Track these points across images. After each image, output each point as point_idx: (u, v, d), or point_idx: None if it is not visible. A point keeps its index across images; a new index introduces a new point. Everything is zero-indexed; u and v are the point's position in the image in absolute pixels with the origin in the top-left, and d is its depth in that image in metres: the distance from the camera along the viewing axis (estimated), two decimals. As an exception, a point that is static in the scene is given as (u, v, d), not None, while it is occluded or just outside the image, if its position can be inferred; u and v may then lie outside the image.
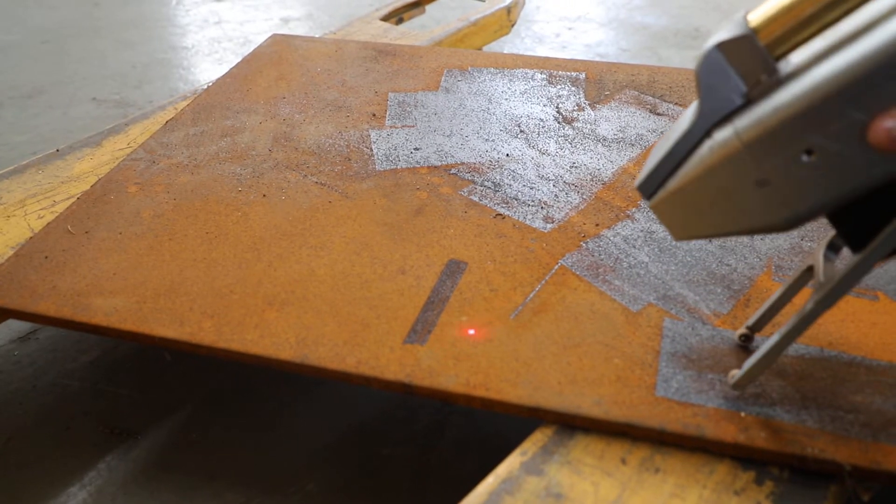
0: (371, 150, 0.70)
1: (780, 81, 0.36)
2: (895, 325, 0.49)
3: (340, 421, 0.60)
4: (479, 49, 1.10)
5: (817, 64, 0.35)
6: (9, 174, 0.70)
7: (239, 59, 1.25)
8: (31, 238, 0.59)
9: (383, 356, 0.47)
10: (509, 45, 1.41)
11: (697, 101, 0.38)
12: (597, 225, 0.59)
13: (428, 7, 1.22)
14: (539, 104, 0.78)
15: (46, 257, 0.56)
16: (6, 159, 1.01)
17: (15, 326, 0.69)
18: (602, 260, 0.55)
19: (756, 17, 0.36)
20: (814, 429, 0.41)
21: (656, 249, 0.56)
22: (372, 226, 0.59)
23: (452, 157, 0.69)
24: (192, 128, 0.74)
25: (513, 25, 1.14)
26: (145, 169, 0.68)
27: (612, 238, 0.58)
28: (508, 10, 1.12)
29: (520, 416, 0.44)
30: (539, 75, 0.83)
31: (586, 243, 0.57)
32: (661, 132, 0.72)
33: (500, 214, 0.61)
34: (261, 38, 1.40)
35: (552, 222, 0.60)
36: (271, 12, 1.60)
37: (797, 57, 0.36)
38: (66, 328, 0.52)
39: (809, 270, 0.44)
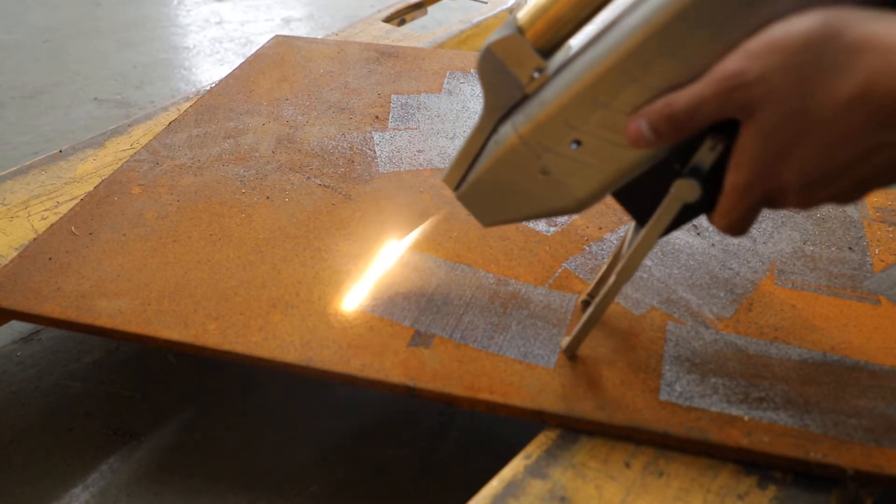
0: (374, 152, 0.70)
1: (548, 77, 0.38)
2: (897, 329, 0.49)
3: (344, 423, 0.60)
4: (481, 51, 1.10)
5: (574, 61, 0.37)
6: (12, 175, 0.70)
7: (240, 60, 1.26)
8: (34, 239, 0.59)
9: (388, 359, 0.47)
10: (510, 46, 1.41)
11: (483, 97, 0.40)
12: (600, 228, 0.59)
13: (430, 8, 1.23)
14: (541, 107, 0.78)
15: (50, 259, 0.56)
16: (8, 159, 1.01)
17: (18, 327, 0.69)
18: (605, 263, 0.55)
19: (522, 15, 0.38)
20: (817, 433, 0.42)
21: (659, 253, 0.56)
22: (375, 228, 0.60)
23: (455, 159, 0.69)
24: (195, 129, 0.74)
25: (514, 27, 1.14)
26: (149, 170, 0.68)
27: (615, 241, 0.58)
28: (510, 11, 1.12)
29: (524, 419, 0.44)
30: (541, 78, 0.83)
31: (589, 246, 0.57)
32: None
33: (504, 217, 0.61)
34: (262, 39, 1.40)
35: (555, 225, 0.60)
36: (272, 13, 1.60)
37: (575, 45, 0.38)
38: (70, 330, 0.52)
39: None
